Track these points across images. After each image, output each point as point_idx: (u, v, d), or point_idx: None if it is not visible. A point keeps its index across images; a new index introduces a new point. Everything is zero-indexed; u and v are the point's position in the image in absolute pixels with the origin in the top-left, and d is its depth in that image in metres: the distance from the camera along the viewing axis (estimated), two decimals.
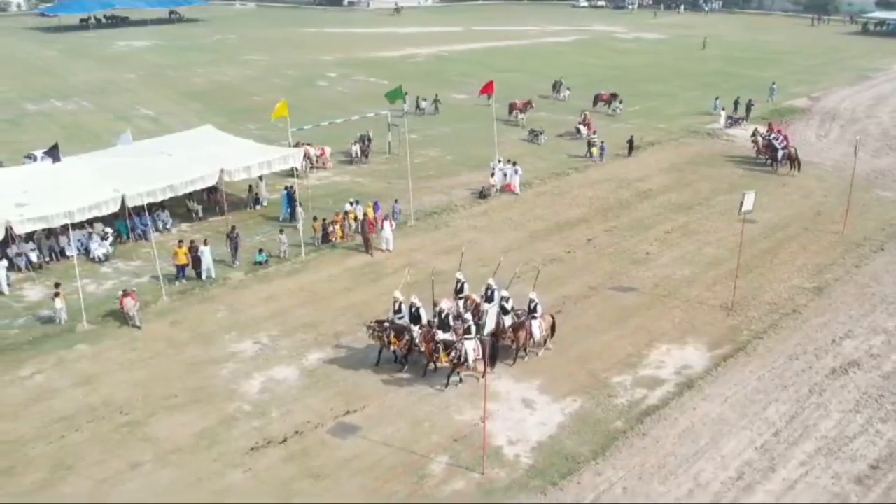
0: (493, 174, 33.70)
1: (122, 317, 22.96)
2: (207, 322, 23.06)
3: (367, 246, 27.61)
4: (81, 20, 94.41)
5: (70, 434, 17.90)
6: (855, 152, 30.60)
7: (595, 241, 28.85)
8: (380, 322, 20.30)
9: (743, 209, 23.01)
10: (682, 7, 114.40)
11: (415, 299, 20.33)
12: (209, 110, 48.74)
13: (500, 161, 34.31)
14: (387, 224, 27.82)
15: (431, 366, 19.86)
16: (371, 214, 28.56)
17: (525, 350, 20.79)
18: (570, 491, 16.12)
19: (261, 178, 31.89)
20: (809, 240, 29.13)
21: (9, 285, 25.14)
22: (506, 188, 33.94)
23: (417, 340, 19.83)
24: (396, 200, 29.83)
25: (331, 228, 28.32)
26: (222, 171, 29.17)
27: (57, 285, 22.96)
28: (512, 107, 45.91)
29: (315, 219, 28.64)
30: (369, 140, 38.98)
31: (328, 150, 37.56)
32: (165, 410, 18.80)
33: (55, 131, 44.20)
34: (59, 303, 22.41)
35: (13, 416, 18.58)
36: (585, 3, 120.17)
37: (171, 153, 30.73)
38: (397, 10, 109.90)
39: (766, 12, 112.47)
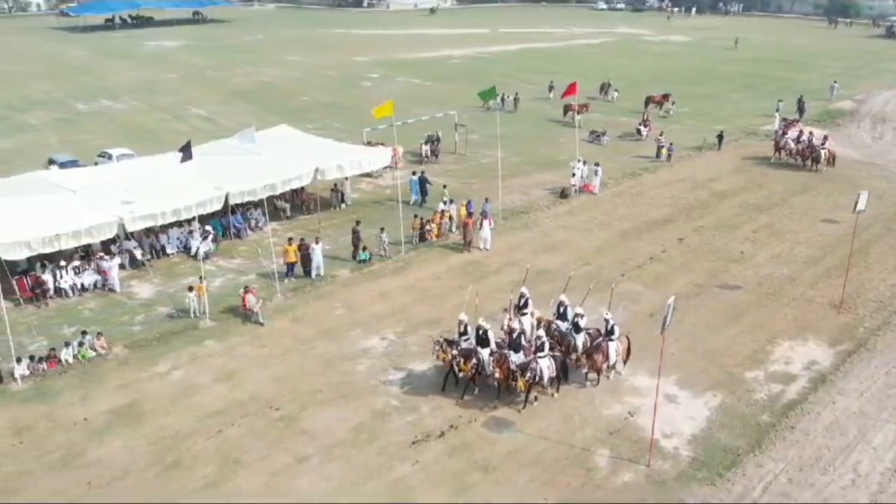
0: (574, 174, 34.03)
1: (240, 313, 23.22)
2: (328, 319, 23.31)
3: (466, 244, 27.89)
4: (106, 20, 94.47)
5: (227, 429, 18.12)
6: None
7: (687, 241, 29.18)
8: (449, 342, 19.29)
9: (857, 208, 23.43)
10: (694, 10, 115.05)
11: (482, 321, 19.53)
12: (261, 110, 48.90)
13: (580, 161, 34.63)
14: (486, 223, 28.10)
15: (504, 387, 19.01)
16: (464, 213, 28.86)
17: (598, 374, 19.82)
18: (738, 482, 16.44)
19: (346, 177, 32.15)
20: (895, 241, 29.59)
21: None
22: (584, 188, 34.28)
23: (490, 367, 18.82)
24: (487, 199, 30.01)
25: (428, 227, 28.60)
26: (317, 170, 29.48)
27: (201, 279, 23.21)
28: (567, 108, 46.24)
29: (415, 217, 28.95)
30: (438, 140, 39.28)
31: (400, 149, 37.77)
32: (315, 405, 19.04)
33: (114, 130, 44.57)
34: (194, 295, 22.78)
35: (164, 412, 18.79)
36: (604, 6, 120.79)
37: (259, 152, 30.91)
38: (432, 10, 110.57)
39: (784, 15, 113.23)
